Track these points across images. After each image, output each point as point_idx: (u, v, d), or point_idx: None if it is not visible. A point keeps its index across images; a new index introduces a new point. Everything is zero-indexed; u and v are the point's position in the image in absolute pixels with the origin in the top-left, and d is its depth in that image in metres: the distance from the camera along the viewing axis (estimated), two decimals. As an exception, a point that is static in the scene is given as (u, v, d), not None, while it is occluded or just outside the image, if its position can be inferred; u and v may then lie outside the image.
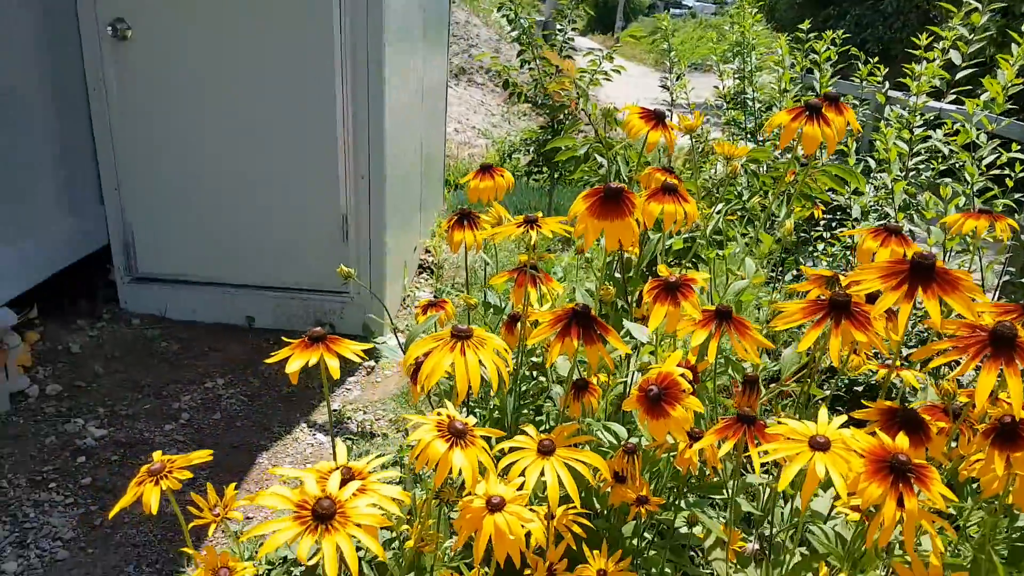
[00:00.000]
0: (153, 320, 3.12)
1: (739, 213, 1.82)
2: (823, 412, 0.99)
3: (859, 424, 1.03)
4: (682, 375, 1.03)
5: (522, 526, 0.94)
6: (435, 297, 3.30)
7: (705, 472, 1.45)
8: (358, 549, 1.03)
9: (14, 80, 2.65)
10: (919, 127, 2.77)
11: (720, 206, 1.38)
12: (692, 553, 1.66)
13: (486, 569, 1.20)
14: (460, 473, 0.92)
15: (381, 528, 1.04)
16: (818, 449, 0.94)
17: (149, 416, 2.57)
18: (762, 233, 1.42)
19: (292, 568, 1.32)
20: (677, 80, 3.29)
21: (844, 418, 0.99)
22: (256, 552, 1.72)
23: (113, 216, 3.00)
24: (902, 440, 0.98)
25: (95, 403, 2.60)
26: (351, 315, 3.07)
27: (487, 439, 0.97)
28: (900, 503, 0.92)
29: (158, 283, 3.11)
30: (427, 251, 4.01)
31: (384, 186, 2.90)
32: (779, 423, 1.00)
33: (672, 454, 1.26)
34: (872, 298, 1.11)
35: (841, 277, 1.16)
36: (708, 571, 1.67)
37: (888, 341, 1.11)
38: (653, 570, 1.37)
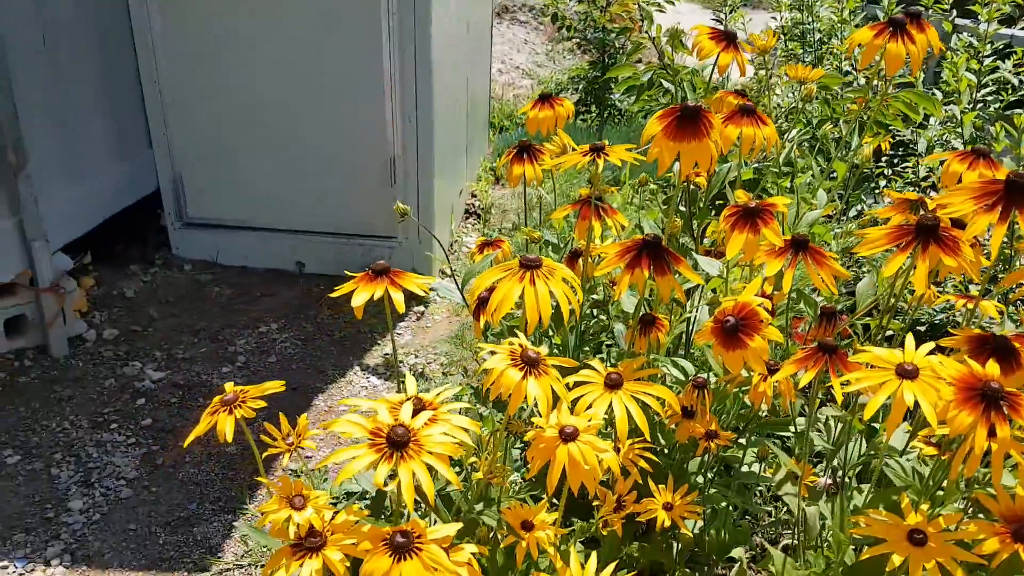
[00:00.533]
0: (205, 266, 3.14)
1: (807, 143, 1.74)
2: (910, 339, 0.95)
3: (943, 355, 0.99)
4: (761, 305, 0.99)
5: (596, 456, 0.91)
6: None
7: (767, 410, 1.42)
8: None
9: (62, 26, 2.65)
10: (988, 56, 2.64)
11: (793, 132, 1.32)
12: (757, 491, 1.64)
13: (556, 500, 1.19)
14: (532, 403, 0.90)
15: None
16: (906, 377, 0.90)
17: (205, 359, 2.61)
18: (836, 162, 1.36)
19: (358, 501, 1.32)
20: (731, 13, 3.17)
21: (931, 345, 0.95)
22: (323, 487, 1.74)
23: (162, 160, 3.01)
24: (993, 367, 0.93)
25: (152, 347, 2.63)
26: (400, 260, 3.06)
27: (559, 369, 0.94)
28: (991, 433, 0.88)
29: (208, 228, 3.13)
30: (473, 195, 3.97)
31: (432, 126, 2.85)
32: (863, 351, 0.95)
33: (743, 388, 1.23)
34: (957, 224, 1.06)
35: (928, 200, 1.10)
36: (768, 508, 1.65)
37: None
38: (718, 506, 1.36)
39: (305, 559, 0.93)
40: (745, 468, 1.43)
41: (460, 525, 0.91)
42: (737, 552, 1.33)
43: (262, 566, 1.84)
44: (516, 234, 1.78)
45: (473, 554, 0.96)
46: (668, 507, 1.19)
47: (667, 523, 1.17)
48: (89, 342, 2.61)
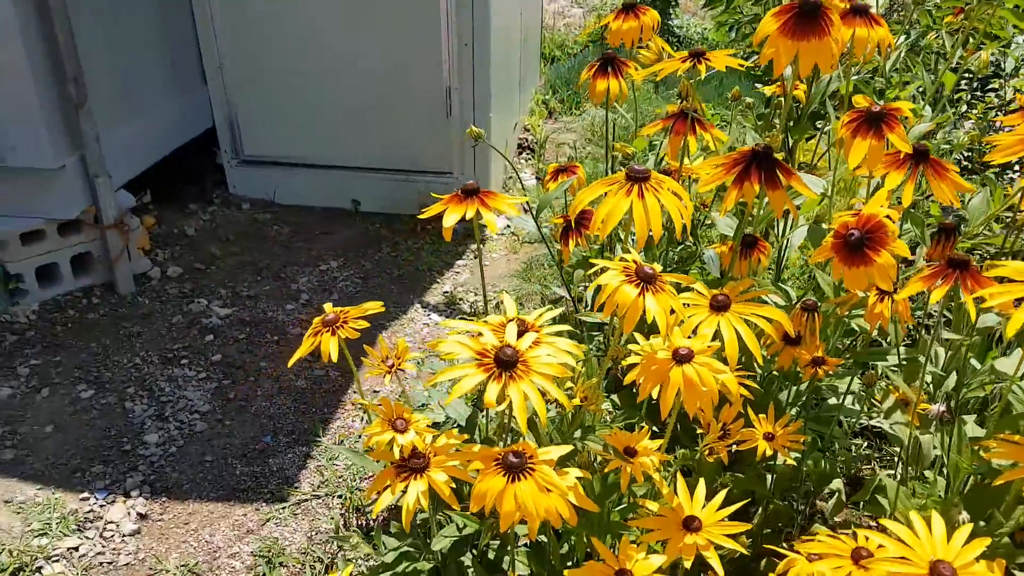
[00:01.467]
0: (263, 204, 3.13)
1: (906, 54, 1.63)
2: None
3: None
4: (887, 217, 0.92)
5: (714, 378, 0.86)
6: (537, 177, 3.20)
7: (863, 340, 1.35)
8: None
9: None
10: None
11: (901, 39, 1.22)
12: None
13: (655, 428, 1.15)
14: (650, 320, 0.85)
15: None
16: (1053, 291, 0.82)
17: (269, 297, 2.60)
18: (947, 74, 1.26)
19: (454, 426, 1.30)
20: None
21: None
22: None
23: (217, 97, 2.97)
24: None
25: (216, 284, 2.64)
26: (457, 195, 3.01)
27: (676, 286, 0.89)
28: None
29: (265, 166, 3.10)
30: (526, 129, 3.88)
31: (488, 55, 2.76)
32: (999, 265, 0.88)
33: (852, 314, 1.16)
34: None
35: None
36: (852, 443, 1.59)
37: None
38: (824, 433, 1.30)
39: (410, 480, 0.90)
40: (833, 400, 1.38)
41: (571, 448, 0.87)
42: (836, 484, 1.28)
43: (339, 496, 1.85)
44: (618, 144, 1.71)
45: (577, 479, 0.92)
46: (769, 437, 1.14)
47: (768, 453, 1.12)
48: (154, 280, 2.62)
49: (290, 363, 1.03)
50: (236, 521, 1.79)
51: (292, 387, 2.22)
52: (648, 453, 0.98)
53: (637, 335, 0.94)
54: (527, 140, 3.85)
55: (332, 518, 1.79)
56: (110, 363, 2.23)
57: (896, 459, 1.57)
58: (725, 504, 0.95)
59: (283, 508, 1.83)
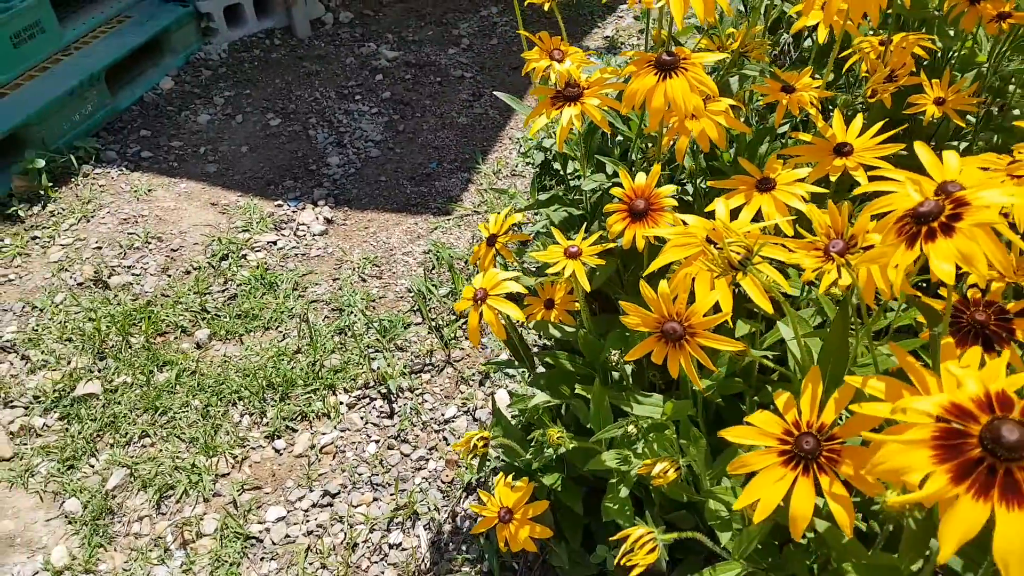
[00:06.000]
0: (426, -45, 3.12)
1: None
2: None
3: None
4: None
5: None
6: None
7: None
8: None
9: None
10: None
11: None
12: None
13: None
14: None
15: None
16: None
17: (433, 42, 2.66)
18: None
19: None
20: None
21: None
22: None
23: None
24: None
25: (383, 30, 2.72)
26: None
27: None
28: None
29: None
30: None
31: None
32: None
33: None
34: None
35: None
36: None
37: None
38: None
39: (564, 107, 0.95)
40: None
41: (725, 55, 0.88)
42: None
43: (497, 212, 1.97)
44: None
45: (732, 107, 0.94)
46: (939, 102, 1.09)
47: (936, 115, 1.08)
48: (327, 24, 2.73)
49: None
50: (408, 228, 1.95)
51: (455, 123, 2.31)
52: (807, 88, 0.97)
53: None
54: None
55: (494, 229, 1.92)
56: (293, 96, 2.40)
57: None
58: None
59: (448, 220, 1.97)
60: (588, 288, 0.90)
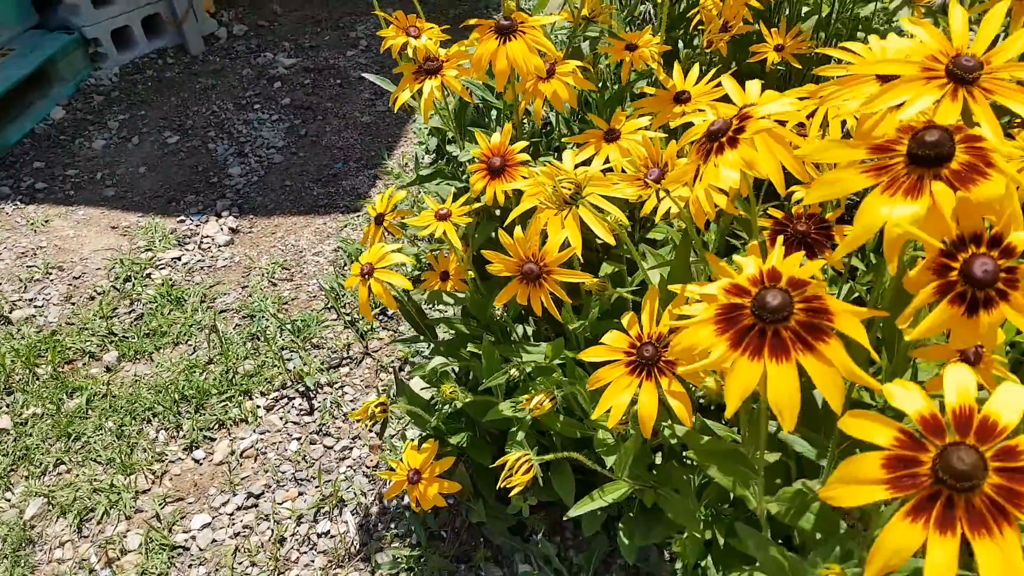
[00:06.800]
0: (316, -38, 3.12)
1: None
2: None
3: None
4: None
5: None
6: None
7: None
8: None
9: None
10: None
11: None
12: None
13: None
14: None
15: None
16: None
17: (330, 46, 2.67)
18: None
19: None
20: None
21: None
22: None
23: None
24: None
25: (279, 39, 2.71)
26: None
27: None
28: None
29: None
30: None
31: None
32: None
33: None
34: None
35: None
36: None
37: None
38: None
39: (426, 80, 0.97)
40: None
41: (556, 17, 0.92)
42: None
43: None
44: None
45: (579, 67, 0.98)
46: (779, 48, 1.15)
47: (776, 61, 1.13)
48: (221, 39, 2.71)
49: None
50: (317, 228, 1.96)
51: (358, 122, 2.32)
52: (648, 45, 1.01)
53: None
54: None
55: (401, 220, 1.94)
56: (190, 113, 2.38)
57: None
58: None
59: (357, 217, 1.98)
60: (459, 246, 0.93)
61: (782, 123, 0.61)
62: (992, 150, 0.45)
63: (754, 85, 0.66)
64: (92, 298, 1.78)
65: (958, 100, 0.50)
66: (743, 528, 0.67)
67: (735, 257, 0.55)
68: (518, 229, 0.79)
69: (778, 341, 0.46)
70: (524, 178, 0.87)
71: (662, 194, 0.75)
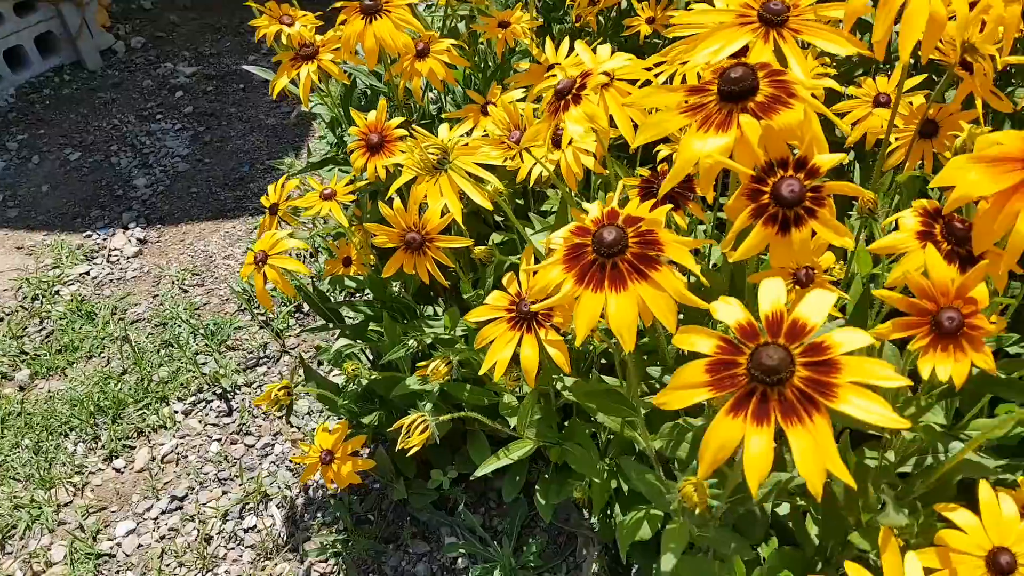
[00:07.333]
0: (212, -30, 3.08)
1: None
2: None
3: None
4: None
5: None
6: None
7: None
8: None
9: None
10: None
11: None
12: None
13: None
14: None
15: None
16: None
17: (232, 52, 2.65)
18: None
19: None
20: None
21: None
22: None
23: None
24: None
25: (179, 48, 2.68)
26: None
27: None
28: None
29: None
30: None
31: None
32: None
33: None
34: None
35: None
36: None
37: None
38: None
39: (302, 65, 1.00)
40: None
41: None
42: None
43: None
44: None
45: (454, 46, 1.01)
46: (651, 20, 1.21)
47: (648, 33, 1.19)
48: (119, 53, 2.67)
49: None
50: (226, 232, 1.95)
51: (263, 125, 2.32)
52: (519, 22, 1.06)
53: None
54: None
55: (312, 219, 1.95)
56: (91, 128, 2.33)
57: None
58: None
59: (268, 218, 1.98)
60: (346, 223, 0.96)
61: (636, 84, 0.66)
62: (793, 82, 0.51)
63: (604, 48, 0.70)
64: (0, 319, 1.75)
65: (769, 41, 0.55)
66: (626, 462, 0.71)
67: (583, 203, 0.59)
68: (397, 200, 0.82)
69: (616, 273, 0.51)
70: (403, 152, 0.91)
71: (526, 155, 0.79)
